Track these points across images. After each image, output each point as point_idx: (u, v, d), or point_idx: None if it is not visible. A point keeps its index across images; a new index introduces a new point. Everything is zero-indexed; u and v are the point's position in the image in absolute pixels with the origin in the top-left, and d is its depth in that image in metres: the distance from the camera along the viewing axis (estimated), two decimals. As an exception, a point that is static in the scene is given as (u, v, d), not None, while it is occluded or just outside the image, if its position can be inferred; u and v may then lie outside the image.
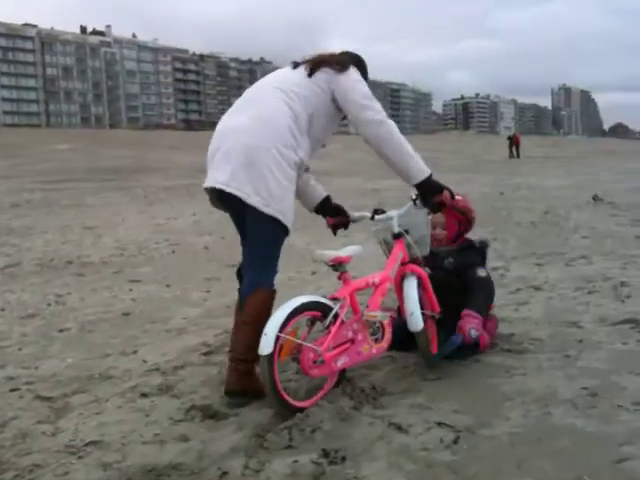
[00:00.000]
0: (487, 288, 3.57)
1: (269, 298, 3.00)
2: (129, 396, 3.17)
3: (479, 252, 3.70)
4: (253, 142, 2.93)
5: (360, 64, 3.27)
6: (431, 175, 3.13)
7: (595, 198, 11.75)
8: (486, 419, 2.71)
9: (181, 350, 3.86)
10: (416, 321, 3.16)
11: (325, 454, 2.45)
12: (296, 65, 3.20)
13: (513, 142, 39.56)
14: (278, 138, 2.95)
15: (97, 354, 3.91)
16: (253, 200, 2.91)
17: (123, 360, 3.77)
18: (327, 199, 3.46)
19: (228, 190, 2.94)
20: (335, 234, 3.59)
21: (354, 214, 3.44)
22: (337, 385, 2.99)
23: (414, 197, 3.27)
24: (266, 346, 2.68)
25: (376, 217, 3.33)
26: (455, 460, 2.40)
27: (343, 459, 2.43)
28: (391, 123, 3.05)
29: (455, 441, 2.54)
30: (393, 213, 3.31)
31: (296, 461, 2.40)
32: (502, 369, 3.28)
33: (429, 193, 3.15)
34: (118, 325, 4.58)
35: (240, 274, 3.29)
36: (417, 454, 2.45)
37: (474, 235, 3.84)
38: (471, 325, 3.32)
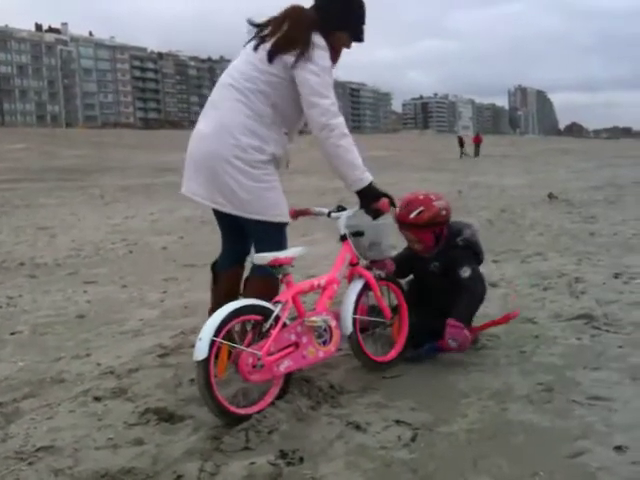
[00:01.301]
0: (471, 291, 3.38)
1: (261, 285, 3.07)
2: (82, 400, 3.09)
3: (465, 249, 3.50)
4: (213, 153, 3.01)
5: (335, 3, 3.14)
6: (371, 183, 3.08)
7: (550, 196, 11.97)
8: (443, 416, 2.71)
9: (136, 352, 3.78)
10: (346, 325, 3.12)
11: (282, 455, 2.42)
12: (258, 44, 3.09)
13: (463, 142, 40.38)
14: (235, 144, 2.97)
15: (49, 357, 3.80)
16: (228, 208, 3.04)
17: (76, 363, 3.67)
18: None
19: (206, 203, 3.09)
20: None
21: (315, 208, 3.42)
22: (285, 390, 2.87)
23: None
24: (200, 351, 2.56)
25: (332, 214, 3.31)
26: (413, 458, 2.39)
27: (301, 460, 2.41)
28: (334, 127, 2.97)
29: (413, 439, 2.53)
30: (343, 213, 3.27)
31: (253, 463, 2.36)
32: (459, 366, 3.29)
33: (367, 201, 3.11)
34: (72, 327, 4.47)
35: (214, 268, 3.50)
36: (375, 453, 2.44)
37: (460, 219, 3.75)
38: (450, 336, 3.21)
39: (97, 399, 3.09)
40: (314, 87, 2.97)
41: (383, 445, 2.49)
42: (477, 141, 42.10)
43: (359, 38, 3.25)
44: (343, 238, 3.25)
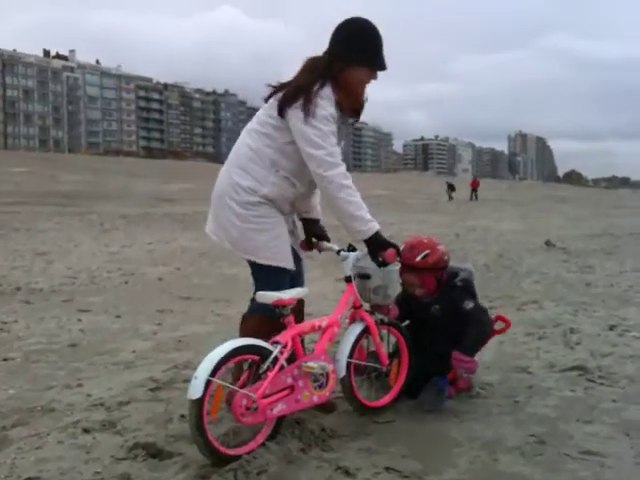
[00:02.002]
0: (475, 321, 3.44)
1: (257, 323, 3.08)
2: (71, 431, 3.06)
3: (463, 289, 3.55)
4: (217, 191, 3.17)
5: (349, 40, 3.06)
6: (377, 232, 3.03)
7: (548, 243, 12.01)
8: (434, 465, 2.69)
9: (127, 385, 3.75)
10: (339, 368, 3.10)
11: (270, 498, 2.40)
12: (274, 92, 3.14)
13: (454, 187, 40.66)
14: (229, 184, 3.10)
15: (40, 386, 3.78)
16: (226, 244, 3.14)
17: (67, 393, 3.65)
18: (314, 221, 3.42)
19: (213, 237, 3.22)
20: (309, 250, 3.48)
21: (325, 243, 3.39)
22: (276, 431, 2.84)
23: None
24: (195, 390, 2.53)
25: (341, 253, 3.31)
26: (402, 507, 2.37)
27: (288, 503, 2.38)
28: (331, 179, 2.94)
29: (402, 487, 2.51)
30: (351, 254, 3.25)
31: (240, 505, 2.34)
32: (452, 413, 3.27)
33: (372, 249, 3.08)
34: (64, 356, 4.44)
35: None
36: (364, 500, 2.42)
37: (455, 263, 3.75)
38: (461, 370, 3.34)
39: (86, 431, 3.06)
40: (309, 138, 2.95)
41: (372, 492, 2.47)
42: (474, 185, 42.30)
43: (378, 66, 3.13)
44: (348, 280, 3.24)
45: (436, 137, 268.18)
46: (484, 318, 3.52)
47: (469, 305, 3.47)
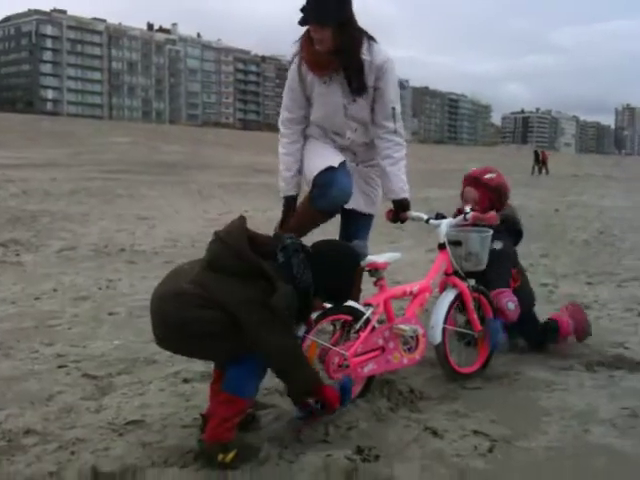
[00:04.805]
0: (499, 260, 3.46)
1: None
2: (171, 380, 3.25)
3: (503, 227, 3.51)
4: None
5: None
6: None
7: (654, 220, 11.43)
8: (523, 431, 2.69)
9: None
10: (435, 335, 3.14)
11: (359, 451, 2.48)
12: None
13: (540, 158, 38.18)
14: None
15: (143, 339, 3.98)
16: None
17: (168, 346, 3.84)
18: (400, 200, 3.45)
19: None
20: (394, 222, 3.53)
21: (412, 213, 3.41)
22: (364, 393, 2.93)
23: (467, 211, 3.27)
24: None
25: (430, 221, 3.33)
26: (488, 469, 2.40)
27: (376, 457, 2.46)
28: None
29: (490, 450, 2.53)
30: (443, 221, 3.28)
31: (330, 455, 2.44)
32: (543, 384, 3.25)
33: None
34: (165, 313, 4.66)
35: None
36: (450, 459, 2.46)
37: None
38: (506, 299, 3.37)
39: (186, 381, 3.24)
40: None
41: (459, 453, 2.51)
42: (543, 158, 39.57)
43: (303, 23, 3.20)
44: (441, 246, 3.27)
45: (537, 110, 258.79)
46: (505, 258, 3.53)
47: (497, 245, 3.48)
